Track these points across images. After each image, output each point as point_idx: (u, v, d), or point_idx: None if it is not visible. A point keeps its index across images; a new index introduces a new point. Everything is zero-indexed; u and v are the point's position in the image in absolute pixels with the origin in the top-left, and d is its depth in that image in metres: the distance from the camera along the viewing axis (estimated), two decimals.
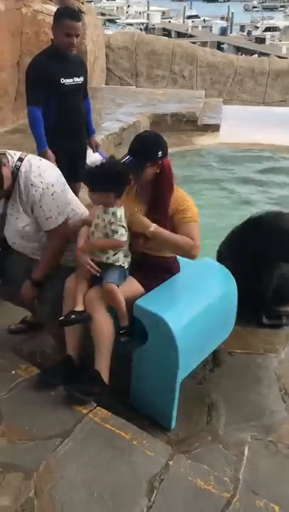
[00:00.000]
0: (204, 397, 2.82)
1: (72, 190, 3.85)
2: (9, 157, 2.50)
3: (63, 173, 2.86)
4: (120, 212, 2.47)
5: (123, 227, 2.45)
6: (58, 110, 3.64)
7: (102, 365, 2.50)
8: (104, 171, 2.39)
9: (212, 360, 3.04)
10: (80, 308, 2.47)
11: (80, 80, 3.76)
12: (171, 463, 2.16)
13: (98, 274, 2.48)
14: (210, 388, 2.88)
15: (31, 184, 2.45)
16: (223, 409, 2.75)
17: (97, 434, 2.29)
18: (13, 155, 2.53)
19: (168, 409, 2.56)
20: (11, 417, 2.37)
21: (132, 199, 2.59)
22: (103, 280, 2.45)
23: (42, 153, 3.64)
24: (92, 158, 4.13)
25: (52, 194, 2.49)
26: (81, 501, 1.98)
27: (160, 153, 2.45)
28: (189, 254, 2.50)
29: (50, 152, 3.64)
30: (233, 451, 2.50)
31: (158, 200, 2.51)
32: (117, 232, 2.45)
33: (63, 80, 3.62)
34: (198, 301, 2.62)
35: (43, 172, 2.49)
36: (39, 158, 2.67)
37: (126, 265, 2.54)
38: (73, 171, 3.76)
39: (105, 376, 2.49)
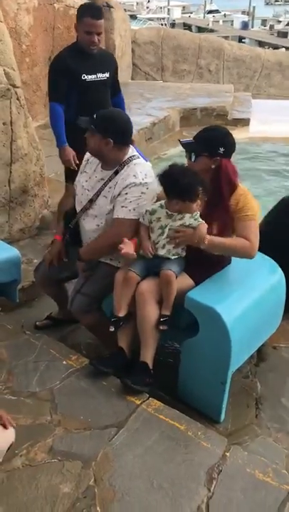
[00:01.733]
0: (251, 391, 2.81)
1: None
2: (132, 149, 2.69)
3: None
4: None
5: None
6: (79, 107, 3.53)
7: (149, 357, 2.53)
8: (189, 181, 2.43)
9: (257, 354, 3.02)
10: (123, 313, 2.52)
11: (104, 76, 3.63)
12: (228, 454, 2.17)
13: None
14: (257, 382, 2.88)
15: (134, 175, 2.58)
16: (271, 402, 2.75)
17: (152, 424, 2.30)
18: (134, 150, 2.71)
19: (218, 402, 2.56)
20: (66, 406, 2.40)
21: None
22: (163, 267, 2.47)
23: (61, 150, 3.61)
24: None
25: (142, 192, 2.58)
26: (141, 490, 2.00)
27: (221, 149, 2.49)
28: (247, 255, 2.55)
29: (68, 149, 3.58)
30: (284, 445, 2.49)
31: (217, 196, 2.52)
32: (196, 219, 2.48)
33: (85, 76, 3.52)
34: (249, 294, 2.61)
35: (149, 174, 2.63)
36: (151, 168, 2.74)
37: (184, 253, 2.57)
38: None
39: (151, 368, 2.52)
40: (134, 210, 2.58)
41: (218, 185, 2.52)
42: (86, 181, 2.75)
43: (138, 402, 2.41)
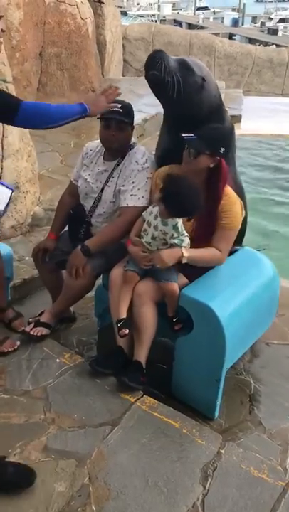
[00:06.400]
0: (245, 388, 2.81)
1: None
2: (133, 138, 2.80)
3: None
4: (180, 223, 2.44)
5: (187, 236, 2.47)
6: None
7: (143, 357, 2.53)
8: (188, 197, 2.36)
9: (250, 351, 3.02)
10: (125, 315, 2.50)
11: None
12: (223, 451, 2.16)
13: (150, 267, 2.49)
14: (250, 379, 2.87)
15: (136, 161, 2.68)
16: (265, 399, 2.74)
17: (146, 422, 2.30)
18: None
19: (212, 399, 2.55)
20: (59, 404, 2.38)
21: None
22: (163, 278, 2.46)
23: None
24: None
25: (147, 178, 2.67)
26: (136, 488, 1.99)
27: (223, 150, 2.43)
28: (215, 264, 2.59)
29: None
30: (278, 441, 2.49)
31: (211, 198, 2.45)
32: (183, 241, 2.44)
33: None
34: (243, 290, 2.61)
35: (149, 159, 2.73)
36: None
37: None
38: None
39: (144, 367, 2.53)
40: (143, 197, 2.64)
41: (215, 186, 2.47)
42: (88, 174, 2.80)
43: (132, 399, 2.40)
